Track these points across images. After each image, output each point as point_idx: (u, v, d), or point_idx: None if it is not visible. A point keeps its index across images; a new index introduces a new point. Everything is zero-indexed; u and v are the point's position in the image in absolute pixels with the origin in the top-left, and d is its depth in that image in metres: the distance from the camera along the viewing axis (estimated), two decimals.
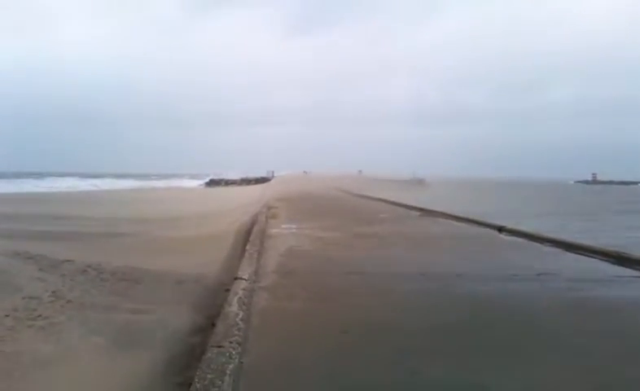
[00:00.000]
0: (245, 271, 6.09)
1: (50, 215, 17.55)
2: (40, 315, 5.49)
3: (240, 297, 4.82)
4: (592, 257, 7.82)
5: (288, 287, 5.60)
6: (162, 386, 3.82)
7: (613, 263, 7.28)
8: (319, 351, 3.68)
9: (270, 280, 5.91)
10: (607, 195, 47.85)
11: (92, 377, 4.12)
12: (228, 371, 3.10)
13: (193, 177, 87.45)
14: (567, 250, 8.49)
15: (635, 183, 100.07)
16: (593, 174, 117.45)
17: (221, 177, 75.89)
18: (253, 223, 12.53)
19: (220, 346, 3.50)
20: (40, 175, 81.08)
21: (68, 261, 8.21)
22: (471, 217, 13.60)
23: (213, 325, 4.23)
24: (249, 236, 9.98)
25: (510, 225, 11.28)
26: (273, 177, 70.74)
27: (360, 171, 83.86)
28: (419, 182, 63.80)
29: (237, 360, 3.33)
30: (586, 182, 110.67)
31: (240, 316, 4.24)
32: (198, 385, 2.91)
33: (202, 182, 72.29)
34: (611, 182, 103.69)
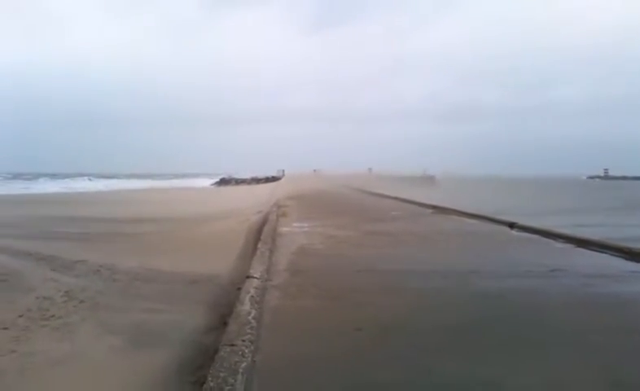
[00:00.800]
0: (257, 270, 6.08)
1: (64, 217, 17.77)
2: (53, 315, 5.55)
3: (252, 296, 4.81)
4: (604, 252, 7.76)
5: (300, 285, 5.59)
6: (176, 385, 3.84)
7: (626, 259, 7.21)
8: (332, 349, 3.66)
9: (282, 278, 5.90)
10: (623, 191, 47.20)
11: (106, 376, 4.15)
12: (241, 370, 3.10)
13: (207, 176, 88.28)
14: (578, 246, 8.43)
15: None
16: (605, 170, 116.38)
17: (232, 176, 76.80)
18: (264, 222, 12.55)
19: (232, 345, 3.50)
20: (54, 176, 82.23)
21: (81, 261, 8.30)
22: (482, 214, 13.53)
23: (225, 324, 4.24)
24: (260, 235, 9.99)
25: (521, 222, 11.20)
26: (283, 176, 70.96)
27: (370, 169, 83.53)
28: (430, 180, 63.40)
29: (250, 358, 3.33)
30: (599, 177, 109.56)
31: (252, 314, 4.23)
32: (211, 384, 2.92)
33: (213, 181, 72.87)
34: (624, 178, 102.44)
